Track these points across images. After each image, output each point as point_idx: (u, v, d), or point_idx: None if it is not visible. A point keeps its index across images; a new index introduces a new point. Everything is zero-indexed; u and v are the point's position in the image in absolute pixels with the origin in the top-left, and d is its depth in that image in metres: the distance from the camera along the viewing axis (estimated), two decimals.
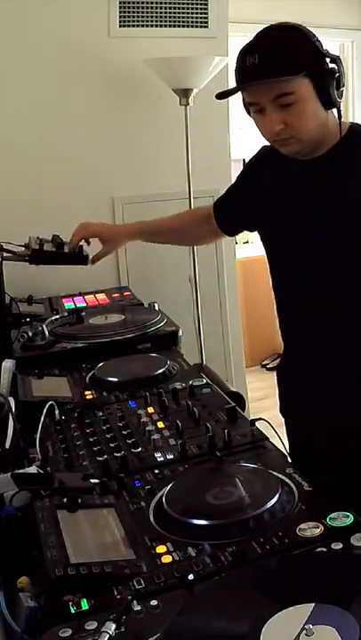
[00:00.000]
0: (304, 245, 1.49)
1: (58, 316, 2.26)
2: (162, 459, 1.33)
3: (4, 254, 1.97)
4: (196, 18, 3.03)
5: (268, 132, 1.43)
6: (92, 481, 1.22)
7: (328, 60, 1.38)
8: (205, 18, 3.05)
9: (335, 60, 1.39)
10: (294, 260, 1.52)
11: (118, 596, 0.93)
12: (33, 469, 1.24)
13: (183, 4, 3.00)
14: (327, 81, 1.38)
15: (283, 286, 1.59)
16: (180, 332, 2.09)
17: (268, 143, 1.57)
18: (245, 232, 1.82)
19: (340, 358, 1.49)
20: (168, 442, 1.40)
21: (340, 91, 1.41)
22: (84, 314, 2.25)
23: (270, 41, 1.39)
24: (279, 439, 1.39)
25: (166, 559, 1.01)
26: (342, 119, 1.45)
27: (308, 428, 1.57)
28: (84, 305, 2.48)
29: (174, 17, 2.99)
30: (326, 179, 1.47)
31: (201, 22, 3.05)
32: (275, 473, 1.20)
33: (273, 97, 1.37)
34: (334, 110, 1.45)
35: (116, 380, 1.76)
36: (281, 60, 1.36)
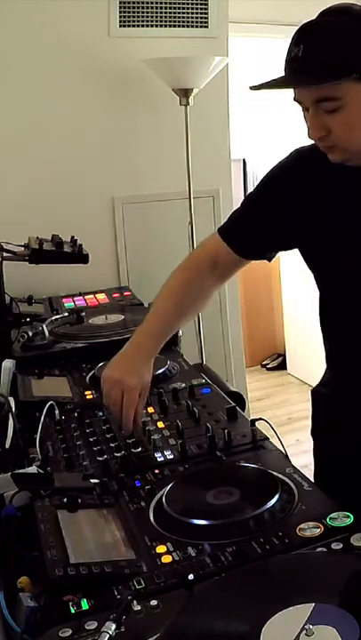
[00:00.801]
0: (354, 264, 1.30)
1: (58, 316, 2.26)
2: (162, 459, 1.33)
3: (4, 254, 1.97)
4: (196, 18, 3.03)
5: (310, 135, 1.23)
6: (92, 481, 1.22)
7: None
8: (205, 18, 3.05)
9: None
10: (343, 282, 1.34)
11: (118, 596, 0.93)
12: (33, 469, 1.24)
13: (183, 3, 3.00)
14: None
15: (331, 307, 1.42)
16: (180, 332, 2.09)
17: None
18: None
19: None
20: (168, 442, 1.40)
21: None
22: (84, 314, 2.25)
23: (318, 30, 1.17)
24: (279, 440, 1.38)
25: (166, 559, 1.01)
26: None
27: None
28: (84, 305, 2.49)
29: (174, 17, 2.99)
30: None
31: (201, 22, 3.05)
32: (275, 473, 1.20)
33: (315, 100, 1.18)
34: None
35: None
36: (325, 58, 1.14)
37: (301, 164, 1.38)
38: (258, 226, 1.45)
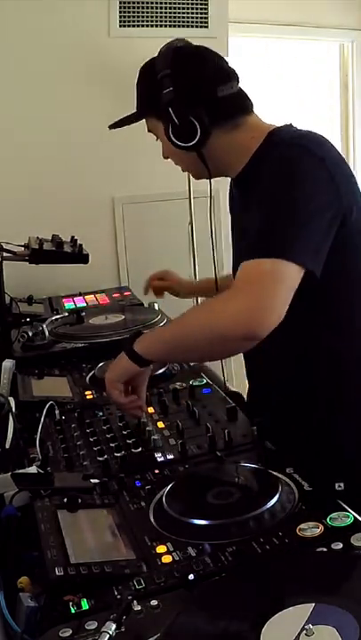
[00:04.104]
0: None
1: (58, 316, 2.26)
2: (162, 459, 1.33)
3: (4, 254, 1.97)
4: (196, 18, 3.03)
5: None
6: (92, 481, 1.22)
7: (174, 104, 1.33)
8: (205, 18, 3.05)
9: (179, 98, 1.32)
10: None
11: (118, 596, 0.93)
12: (33, 469, 1.24)
13: (183, 4, 3.00)
14: (168, 125, 1.35)
15: None
16: None
17: None
18: None
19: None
20: (168, 442, 1.40)
21: (194, 134, 1.34)
22: (84, 314, 2.25)
23: (139, 72, 1.46)
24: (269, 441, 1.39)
25: (166, 559, 1.01)
26: (262, 123, 1.41)
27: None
28: (84, 305, 2.49)
29: (174, 17, 2.99)
30: (240, 202, 1.46)
31: (201, 22, 3.05)
32: (275, 473, 1.20)
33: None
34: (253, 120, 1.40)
35: None
36: (137, 99, 1.46)
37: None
38: None
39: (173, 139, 1.36)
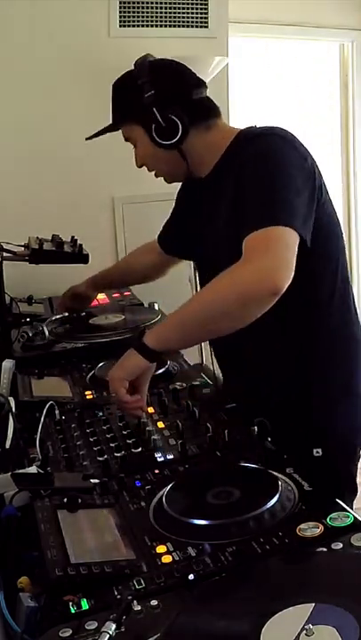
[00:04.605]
0: (202, 267, 1.63)
1: (58, 316, 2.26)
2: (162, 459, 1.33)
3: (4, 254, 1.96)
4: (196, 18, 3.03)
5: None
6: (92, 481, 1.22)
7: (157, 105, 1.44)
8: (205, 18, 3.05)
9: (167, 102, 1.44)
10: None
11: (118, 596, 0.93)
12: (33, 469, 1.24)
13: (183, 4, 3.00)
14: (152, 126, 1.46)
15: None
16: None
17: None
18: None
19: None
20: (168, 442, 1.40)
21: (176, 132, 1.45)
22: (84, 314, 2.25)
23: (114, 85, 1.57)
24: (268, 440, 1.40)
25: (166, 559, 1.01)
26: (232, 125, 1.53)
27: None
28: None
29: (174, 17, 2.99)
30: (210, 198, 1.51)
31: (201, 22, 3.05)
32: (275, 473, 1.20)
33: (125, 139, 1.57)
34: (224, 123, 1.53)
35: None
36: (113, 108, 1.56)
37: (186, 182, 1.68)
38: (173, 228, 1.87)
39: (157, 138, 1.47)
